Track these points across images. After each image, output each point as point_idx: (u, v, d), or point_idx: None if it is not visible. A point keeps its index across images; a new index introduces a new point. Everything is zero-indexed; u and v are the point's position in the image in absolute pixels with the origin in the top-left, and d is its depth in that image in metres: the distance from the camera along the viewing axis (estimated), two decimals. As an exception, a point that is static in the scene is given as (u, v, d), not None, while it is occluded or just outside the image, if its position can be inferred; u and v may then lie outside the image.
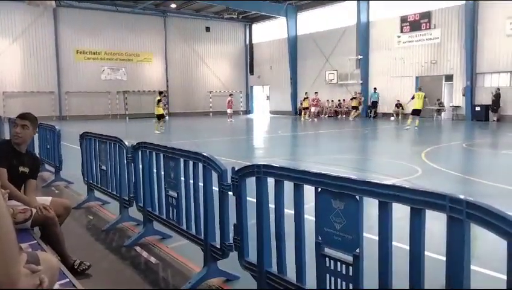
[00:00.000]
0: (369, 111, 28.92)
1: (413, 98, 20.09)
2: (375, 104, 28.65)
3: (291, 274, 2.97)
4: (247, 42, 39.95)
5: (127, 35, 33.35)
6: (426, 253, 2.14)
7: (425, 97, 20.11)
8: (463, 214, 1.89)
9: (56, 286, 2.20)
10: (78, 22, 31.35)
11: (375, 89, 28.60)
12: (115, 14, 32.72)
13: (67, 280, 2.70)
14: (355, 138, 17.69)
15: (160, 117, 20.01)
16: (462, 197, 1.92)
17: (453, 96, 25.14)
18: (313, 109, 29.21)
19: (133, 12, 33.27)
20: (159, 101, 20.21)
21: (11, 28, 29.19)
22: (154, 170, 4.62)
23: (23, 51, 29.89)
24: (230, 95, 29.96)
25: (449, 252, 1.96)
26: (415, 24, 26.45)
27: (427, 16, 25.75)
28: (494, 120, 22.53)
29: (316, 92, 29.82)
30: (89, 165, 6.35)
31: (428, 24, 25.74)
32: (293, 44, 34.36)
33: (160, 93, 22.14)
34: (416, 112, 19.84)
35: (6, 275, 0.92)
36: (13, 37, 29.42)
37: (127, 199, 5.20)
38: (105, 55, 33.00)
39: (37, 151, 8.82)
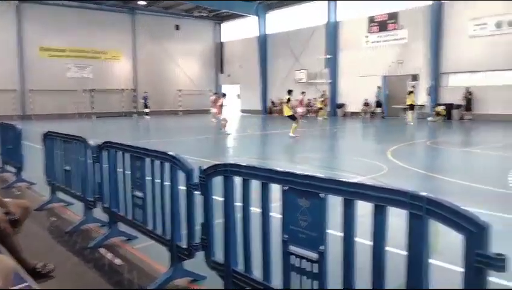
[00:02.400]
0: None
1: (408, 93, 22.29)
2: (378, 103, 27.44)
3: (258, 273, 2.97)
4: (217, 41, 39.80)
5: (94, 32, 32.61)
6: (390, 249, 2.17)
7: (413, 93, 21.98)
8: (423, 210, 1.93)
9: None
10: (42, 18, 30.46)
11: (379, 87, 27.37)
12: (81, 10, 31.96)
13: (26, 283, 2.61)
14: (323, 137, 17.89)
15: (291, 118, 16.60)
16: (422, 194, 1.96)
17: (419, 96, 25.78)
18: (299, 110, 28.35)
19: (100, 9, 32.58)
20: (288, 100, 16.86)
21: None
22: (120, 170, 4.53)
23: (-17, 47, 28.78)
24: (215, 93, 29.63)
25: (410, 247, 2.00)
26: (382, 24, 27.00)
27: (394, 16, 26.33)
28: (470, 119, 23.07)
29: (303, 92, 29.05)
30: (52, 166, 6.16)
31: (395, 25, 26.33)
32: (263, 43, 34.46)
33: (290, 92, 17.33)
34: (408, 107, 22.00)
35: None
36: (-27, 33, 28.31)
37: (91, 199, 5.07)
38: (71, 53, 32.19)
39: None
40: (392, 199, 2.09)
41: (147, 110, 30.55)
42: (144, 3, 33.52)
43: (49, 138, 6.26)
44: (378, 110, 27.23)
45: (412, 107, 22.19)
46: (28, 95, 30.55)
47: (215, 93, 29.44)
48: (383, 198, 2.12)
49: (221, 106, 19.21)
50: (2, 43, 29.22)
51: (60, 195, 6.16)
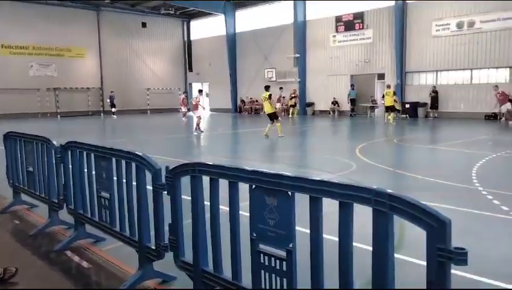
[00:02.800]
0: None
1: (383, 96, 21.13)
2: (353, 101, 27.40)
3: (227, 272, 2.97)
4: (186, 39, 39.42)
5: (58, 29, 31.67)
6: (359, 245, 2.22)
7: (394, 94, 21.05)
8: (386, 206, 1.98)
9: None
10: (3, 15, 29.32)
11: (352, 86, 27.29)
12: (43, 7, 30.98)
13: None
14: (294, 135, 18.03)
15: (273, 117, 15.68)
16: (386, 190, 2.01)
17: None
18: (278, 106, 27.95)
19: (63, 5, 31.68)
20: (270, 96, 15.74)
21: None
22: (86, 171, 4.43)
23: None
24: (184, 93, 29.31)
25: (375, 243, 2.05)
26: (349, 24, 27.42)
27: (360, 16, 26.78)
28: (435, 116, 23.68)
29: (280, 88, 28.77)
30: (14, 167, 5.97)
31: (361, 24, 26.79)
32: (231, 41, 34.37)
33: (268, 87, 16.22)
34: (389, 108, 20.89)
35: None
36: None
37: (56, 201, 4.94)
38: (34, 50, 31.16)
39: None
40: (357, 196, 2.13)
41: (113, 110, 29.95)
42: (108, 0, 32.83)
43: (10, 138, 6.06)
44: (349, 108, 27.59)
45: (392, 108, 20.78)
46: (-12, 94, 29.43)
47: (184, 92, 29.25)
48: (348, 195, 2.17)
49: (198, 104, 18.63)
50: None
51: (23, 197, 5.98)
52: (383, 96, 21.46)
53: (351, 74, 27.80)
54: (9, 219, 5.62)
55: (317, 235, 2.34)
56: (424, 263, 1.86)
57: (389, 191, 2.01)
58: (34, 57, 31.22)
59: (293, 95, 28.75)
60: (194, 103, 19.08)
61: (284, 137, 15.18)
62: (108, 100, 30.62)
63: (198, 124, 17.85)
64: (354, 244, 2.20)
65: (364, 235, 2.31)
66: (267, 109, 15.79)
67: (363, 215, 2.25)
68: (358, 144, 12.95)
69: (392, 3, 24.83)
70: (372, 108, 26.91)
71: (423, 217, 1.83)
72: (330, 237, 2.50)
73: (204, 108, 20.29)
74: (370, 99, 26.86)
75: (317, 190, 2.30)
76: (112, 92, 31.65)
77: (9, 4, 29.48)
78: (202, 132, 17.77)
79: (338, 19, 27.91)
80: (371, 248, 2.06)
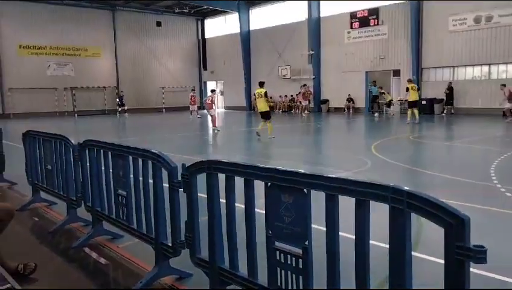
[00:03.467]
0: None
1: (407, 90, 19.54)
2: (375, 98, 26.82)
3: (243, 269, 2.98)
4: (200, 37, 39.56)
5: (74, 29, 32.09)
6: (374, 242, 2.21)
7: (419, 89, 19.86)
8: (404, 204, 1.96)
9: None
10: (20, 15, 29.85)
11: (374, 82, 26.75)
12: (60, 7, 31.41)
13: (8, 285, 2.58)
14: (308, 133, 17.98)
15: (266, 116, 14.92)
16: (403, 188, 1.99)
17: (401, 91, 26.04)
18: (303, 103, 27.76)
19: (79, 5, 32.06)
20: (266, 94, 15.01)
21: None
22: (103, 169, 4.49)
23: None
24: (193, 90, 29.55)
25: (392, 241, 2.03)
26: (363, 20, 27.17)
27: (375, 12, 26.52)
28: (451, 113, 23.36)
29: (304, 85, 28.65)
30: (34, 165, 6.07)
31: (376, 20, 26.53)
32: (246, 39, 34.38)
33: (262, 83, 15.77)
34: (412, 104, 19.33)
35: None
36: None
37: (74, 199, 5.02)
38: (51, 50, 31.63)
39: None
40: (373, 194, 2.12)
41: (119, 109, 30.40)
42: (124, -1, 33.15)
43: (29, 137, 6.16)
44: (364, 105, 27.43)
45: (414, 103, 19.47)
46: (7, 94, 29.98)
47: (192, 90, 29.52)
48: (364, 192, 2.15)
49: (212, 102, 18.81)
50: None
51: (43, 195, 6.08)
52: (407, 90, 19.53)
53: (366, 70, 27.57)
54: (29, 216, 5.72)
55: (334, 233, 2.33)
56: (442, 261, 1.84)
57: (406, 188, 1.99)
58: (52, 56, 31.70)
59: (300, 91, 28.89)
60: (208, 102, 19.16)
61: (290, 134, 15.11)
62: (118, 100, 30.98)
63: (214, 122, 17.93)
64: (371, 242, 2.19)
65: (381, 233, 2.30)
66: (262, 106, 14.85)
67: (379, 213, 2.24)
68: (374, 141, 12.85)
69: (408, -2, 24.56)
70: (388, 105, 26.64)
71: (441, 215, 1.81)
72: (346, 234, 2.49)
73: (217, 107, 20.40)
74: (385, 96, 26.60)
75: (334, 187, 2.29)
76: (121, 91, 32.04)
77: (27, 5, 29.96)
78: (219, 130, 17.83)
79: (352, 15, 27.69)
80: (387, 246, 2.05)
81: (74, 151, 4.90)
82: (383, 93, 25.48)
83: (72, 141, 4.99)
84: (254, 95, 15.11)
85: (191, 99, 27.10)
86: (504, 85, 19.74)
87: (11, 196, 6.82)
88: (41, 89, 31.02)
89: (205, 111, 20.38)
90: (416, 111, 19.29)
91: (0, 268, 2.83)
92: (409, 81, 20.43)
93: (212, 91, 19.43)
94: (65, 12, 31.60)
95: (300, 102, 29.22)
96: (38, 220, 5.59)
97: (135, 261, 4.07)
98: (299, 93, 29.15)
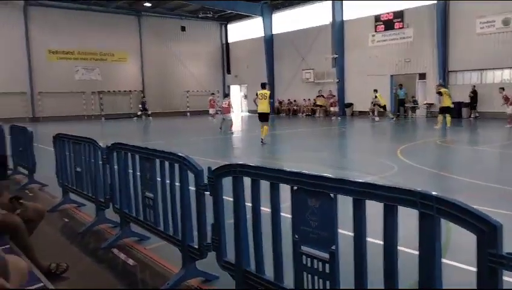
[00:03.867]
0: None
1: (440, 94, 18.25)
2: (402, 101, 26.57)
3: (269, 273, 2.99)
4: (224, 41, 39.85)
5: (101, 34, 32.80)
6: (401, 248, 2.19)
7: (449, 95, 18.49)
8: (433, 209, 1.94)
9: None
10: (49, 21, 30.68)
11: (400, 85, 26.62)
12: (88, 13, 32.16)
13: (41, 284, 2.66)
14: (332, 136, 17.87)
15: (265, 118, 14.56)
16: (432, 193, 1.98)
17: (427, 94, 25.64)
18: (332, 109, 27.76)
19: (106, 11, 32.76)
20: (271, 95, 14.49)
21: (-20, 27, 28.35)
22: (130, 171, 4.57)
23: (-8, 51, 29.08)
24: (212, 94, 29.85)
25: (421, 246, 2.01)
26: (388, 23, 26.89)
27: (400, 15, 26.21)
28: (476, 116, 22.91)
29: (319, 92, 29.93)
30: (64, 167, 6.23)
31: (401, 23, 26.21)
32: (269, 43, 34.46)
33: (265, 85, 15.31)
34: (445, 110, 18.02)
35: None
36: (-18, 37, 28.60)
37: (103, 200, 5.13)
38: (79, 55, 32.42)
39: (9, 153, 8.61)
40: (401, 199, 2.10)
41: (139, 113, 30.88)
42: (149, 4, 33.68)
43: (59, 140, 6.33)
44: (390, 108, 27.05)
45: (447, 109, 18.14)
46: (37, 98, 30.84)
47: (212, 94, 29.84)
48: (392, 197, 2.14)
49: (229, 106, 19.40)
50: (11, 46, 29.46)
51: (72, 196, 6.23)
52: (441, 94, 18.16)
53: (391, 73, 27.23)
54: (59, 217, 5.87)
55: (361, 238, 2.32)
56: (472, 269, 1.81)
57: (435, 193, 1.97)
58: (80, 61, 32.49)
59: (319, 95, 29.48)
60: (225, 106, 19.65)
61: (310, 140, 15.02)
62: (140, 105, 31.47)
63: (231, 126, 18.52)
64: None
65: (407, 238, 2.28)
66: (265, 108, 14.34)
67: (406, 218, 2.22)
68: (400, 145, 12.67)
69: (434, 1, 24.15)
70: (414, 109, 26.26)
71: (473, 221, 1.79)
72: (372, 239, 2.48)
73: (233, 111, 20.90)
74: (411, 100, 26.23)
75: (361, 192, 2.29)
76: (143, 97, 32.57)
77: (56, 11, 30.82)
78: (233, 133, 18.23)
79: (377, 19, 27.44)
80: (415, 252, 2.03)
81: (102, 154, 5.01)
82: (376, 97, 25.18)
83: (101, 144, 5.11)
84: (256, 95, 15.01)
85: (210, 102, 27.49)
86: (503, 88, 19.12)
87: (42, 197, 7.01)
88: (70, 93, 31.81)
89: (221, 115, 20.70)
90: (449, 118, 17.86)
91: (33, 267, 2.92)
92: (441, 85, 19.66)
93: (227, 95, 19.83)
94: (93, 17, 32.34)
95: (323, 106, 29.37)
96: (68, 221, 5.73)
97: (162, 263, 4.14)
98: (319, 96, 29.37)
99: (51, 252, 4.30)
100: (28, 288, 2.53)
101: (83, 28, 31.91)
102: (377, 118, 24.65)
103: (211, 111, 27.34)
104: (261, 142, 13.88)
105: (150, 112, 30.96)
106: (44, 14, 30.55)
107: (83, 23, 31.90)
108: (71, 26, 31.43)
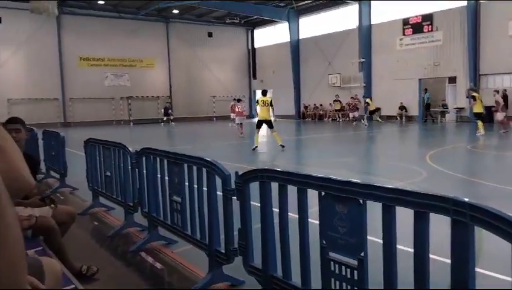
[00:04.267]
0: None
1: (474, 99, 17.40)
2: (428, 106, 26.41)
3: (296, 279, 2.97)
4: (250, 47, 40.07)
5: (130, 41, 33.49)
6: (431, 256, 2.14)
7: (481, 100, 17.58)
8: (466, 217, 1.89)
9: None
10: (81, 29, 31.54)
11: (425, 90, 26.31)
12: (117, 20, 32.92)
13: (73, 286, 2.72)
14: (359, 142, 17.67)
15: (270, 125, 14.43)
16: (465, 200, 1.93)
17: (457, 98, 25.07)
18: (354, 114, 27.55)
19: (135, 18, 33.44)
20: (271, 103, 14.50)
21: (16, 36, 29.34)
22: (159, 176, 4.63)
23: (27, 58, 30.09)
24: (234, 100, 29.99)
25: (454, 255, 1.96)
26: (417, 26, 26.46)
27: (429, 18, 25.77)
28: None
29: (336, 96, 29.81)
30: (94, 171, 6.37)
31: (430, 26, 25.75)
32: (295, 48, 34.43)
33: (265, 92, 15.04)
34: (479, 116, 17.18)
35: (15, 284, 0.93)
36: (17, 45, 29.61)
37: (131, 204, 5.21)
38: (109, 62, 33.20)
39: (42, 158, 8.85)
40: (433, 205, 2.06)
41: (165, 118, 31.17)
42: (177, 11, 34.21)
43: (90, 144, 6.48)
44: (417, 113, 26.67)
45: (479, 115, 17.27)
46: (68, 104, 31.71)
47: (234, 99, 29.94)
48: (424, 204, 2.10)
49: (243, 111, 20.60)
50: (46, 54, 30.49)
51: (102, 200, 6.35)
52: (474, 99, 17.35)
53: (419, 77, 26.76)
54: (89, 220, 6.00)
55: (391, 245, 2.28)
56: (508, 278, 1.75)
57: (468, 200, 1.92)
58: (109, 68, 33.27)
59: (335, 99, 29.63)
60: (239, 111, 21.38)
61: (337, 145, 14.87)
62: (163, 110, 31.85)
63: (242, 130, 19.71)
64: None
65: (435, 245, 2.23)
66: (267, 115, 14.25)
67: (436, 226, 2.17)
68: (429, 151, 12.42)
69: (464, 3, 23.62)
70: (443, 113, 25.71)
71: (508, 229, 1.73)
72: (400, 246, 2.43)
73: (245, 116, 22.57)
74: (441, 104, 25.71)
75: (391, 198, 2.25)
76: (167, 103, 33.03)
77: (87, 19, 31.68)
78: (242, 136, 19.12)
79: (405, 22, 27.04)
80: (444, 259, 1.98)
81: (132, 158, 5.09)
82: (367, 103, 25.40)
83: (130, 149, 5.20)
84: (257, 102, 15.27)
85: (231, 108, 27.81)
86: (497, 91, 18.36)
87: (73, 201, 7.17)
88: (99, 98, 32.59)
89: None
90: (480, 123, 16.87)
91: (65, 269, 2.99)
92: (472, 89, 19.03)
93: (239, 100, 21.72)
94: (122, 25, 33.08)
95: (341, 111, 29.27)
96: (97, 224, 5.85)
97: (189, 267, 4.17)
98: (336, 100, 29.63)
99: (81, 255, 4.38)
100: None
101: (113, 35, 32.69)
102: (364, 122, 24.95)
103: (232, 116, 27.57)
104: (281, 147, 13.77)
105: (172, 117, 31.31)
106: (76, 22, 31.44)
107: (113, 31, 32.68)
108: (102, 34, 32.23)
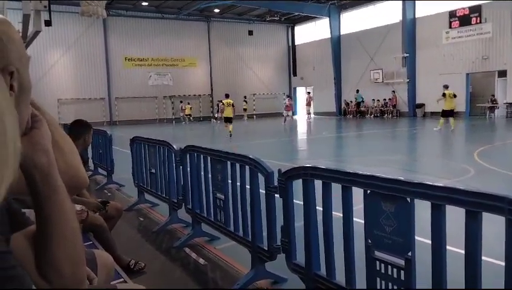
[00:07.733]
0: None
1: None
2: (358, 105, 28.20)
3: (340, 277, 2.94)
4: (290, 44, 39.90)
5: (172, 41, 34.20)
6: (484, 257, 2.06)
7: None
8: (524, 217, 1.80)
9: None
10: (126, 30, 32.53)
11: (357, 90, 28.16)
12: (160, 21, 33.67)
13: (122, 279, 2.80)
14: (403, 138, 17.23)
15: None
16: (522, 199, 1.84)
17: (507, 93, 23.93)
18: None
19: (177, 18, 34.07)
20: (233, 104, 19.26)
21: (65, 38, 30.65)
22: (202, 173, 4.70)
23: (75, 59, 31.34)
24: (288, 96, 30.14)
25: (508, 257, 1.88)
26: (464, 19, 25.45)
27: (477, 10, 24.72)
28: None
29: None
30: (139, 169, 6.54)
31: (478, 18, 24.70)
32: (336, 44, 33.97)
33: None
34: None
35: (74, 275, 0.97)
36: (66, 47, 30.91)
37: (176, 201, 5.31)
38: (152, 62, 34.01)
39: (90, 155, 9.19)
40: (486, 204, 1.97)
41: (216, 115, 31.57)
42: (217, 10, 34.55)
43: (135, 142, 6.66)
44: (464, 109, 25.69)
45: None
46: (114, 103, 32.76)
47: (288, 96, 29.93)
48: (476, 203, 2.01)
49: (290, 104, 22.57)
50: (93, 55, 31.71)
51: (147, 196, 6.52)
52: None
53: (467, 72, 25.74)
54: (135, 216, 6.17)
55: (440, 246, 2.21)
56: None
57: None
58: (153, 68, 34.10)
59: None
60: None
61: (381, 142, 14.50)
62: (217, 107, 32.27)
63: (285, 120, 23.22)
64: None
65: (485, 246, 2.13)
66: (229, 113, 18.66)
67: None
68: (477, 148, 11.93)
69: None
70: (492, 108, 24.62)
71: None
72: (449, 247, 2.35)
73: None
74: (490, 99, 24.63)
75: (441, 197, 2.17)
76: (218, 101, 33.38)
77: (132, 21, 32.64)
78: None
79: (452, 14, 26.06)
80: (499, 262, 1.90)
81: (176, 156, 5.19)
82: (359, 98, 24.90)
83: (175, 146, 5.30)
84: (222, 104, 20.01)
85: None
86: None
87: (119, 197, 7.41)
88: (144, 98, 33.48)
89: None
90: None
91: (115, 264, 3.09)
92: None
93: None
94: (165, 25, 33.81)
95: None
96: (143, 220, 6.01)
97: (231, 263, 4.21)
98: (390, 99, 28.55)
99: (127, 249, 4.52)
100: (112, 283, 2.69)
101: (156, 35, 33.47)
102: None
103: (285, 113, 27.53)
104: (230, 135, 17.79)
105: (217, 115, 31.69)
106: (121, 24, 32.45)
107: (156, 31, 33.46)
108: (145, 34, 33.10)
